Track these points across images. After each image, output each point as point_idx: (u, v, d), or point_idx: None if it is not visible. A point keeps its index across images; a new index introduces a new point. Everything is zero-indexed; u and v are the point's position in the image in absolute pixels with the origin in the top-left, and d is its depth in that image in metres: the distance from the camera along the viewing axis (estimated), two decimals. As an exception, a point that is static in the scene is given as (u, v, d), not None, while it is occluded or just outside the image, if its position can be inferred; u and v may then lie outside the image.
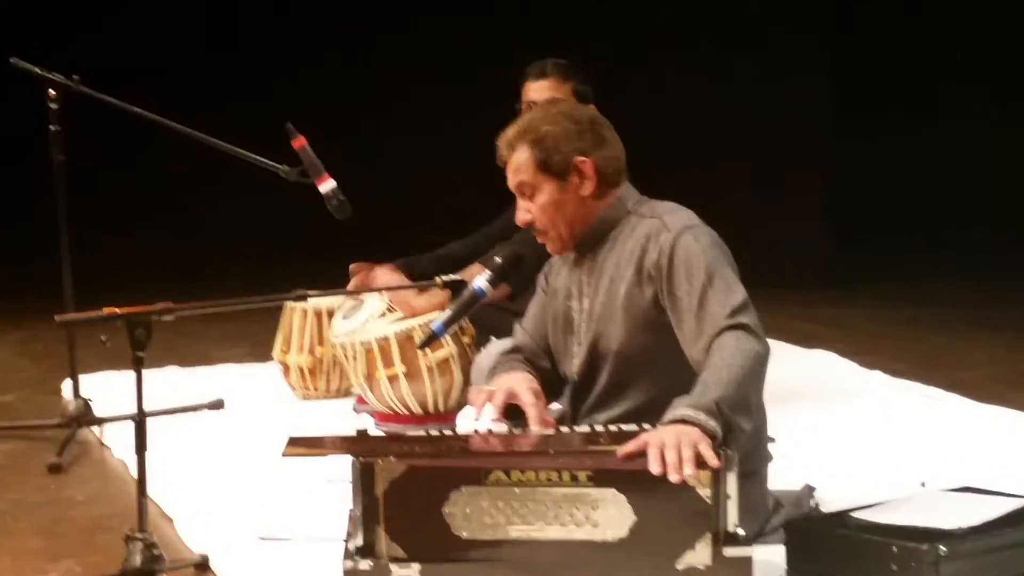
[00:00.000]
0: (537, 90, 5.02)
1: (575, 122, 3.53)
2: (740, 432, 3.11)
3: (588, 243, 3.58)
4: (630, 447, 3.02)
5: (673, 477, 2.94)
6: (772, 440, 3.66)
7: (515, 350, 3.71)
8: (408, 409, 4.93)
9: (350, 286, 5.21)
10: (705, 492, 2.97)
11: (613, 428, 3.32)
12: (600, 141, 3.55)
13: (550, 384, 3.65)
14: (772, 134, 8.71)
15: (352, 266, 5.26)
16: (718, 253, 3.41)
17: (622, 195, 3.57)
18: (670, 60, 8.84)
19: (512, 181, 3.56)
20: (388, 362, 4.90)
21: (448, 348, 4.89)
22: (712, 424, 3.02)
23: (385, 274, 5.18)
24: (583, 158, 3.51)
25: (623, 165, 3.59)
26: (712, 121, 8.77)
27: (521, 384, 3.46)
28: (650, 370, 3.48)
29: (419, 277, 5.13)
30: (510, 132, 3.58)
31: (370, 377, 4.93)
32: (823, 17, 8.81)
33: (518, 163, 3.54)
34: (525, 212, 3.57)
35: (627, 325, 3.47)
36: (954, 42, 9.07)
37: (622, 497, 2.98)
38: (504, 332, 4.33)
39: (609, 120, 3.63)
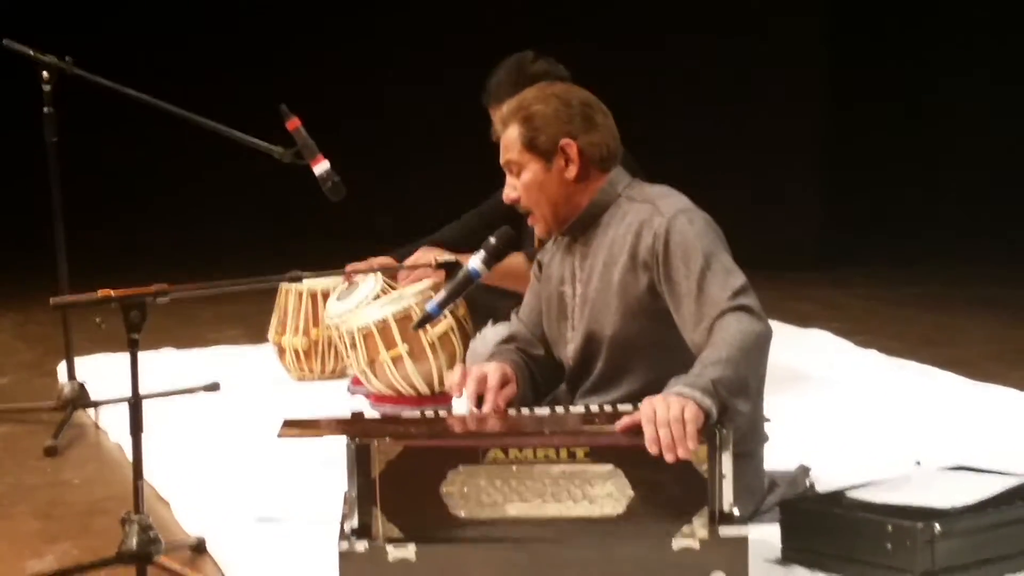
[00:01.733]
0: (496, 118, 4.90)
1: (566, 104, 3.52)
2: (737, 414, 3.11)
3: (579, 227, 3.57)
4: (626, 421, 3.02)
5: (668, 457, 2.95)
6: (767, 420, 3.66)
7: (509, 339, 3.71)
8: (415, 389, 4.93)
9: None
10: (703, 467, 2.98)
11: (608, 408, 3.32)
12: (590, 125, 3.53)
13: (545, 371, 3.65)
14: (768, 115, 8.71)
15: (348, 267, 5.24)
16: (714, 236, 3.40)
17: (613, 179, 3.56)
18: (666, 45, 8.82)
19: (502, 157, 3.57)
20: (390, 343, 4.89)
21: (447, 321, 4.89)
22: (708, 402, 3.02)
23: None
24: (569, 140, 3.50)
25: (613, 151, 3.57)
26: (709, 104, 8.76)
27: (491, 369, 3.46)
28: (647, 355, 3.47)
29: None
30: (506, 108, 3.58)
31: (372, 362, 4.93)
32: (821, 1, 8.81)
33: (508, 140, 3.54)
34: (512, 189, 3.57)
35: (622, 310, 3.47)
36: (953, 25, 9.06)
37: (619, 472, 2.99)
38: (501, 315, 4.34)
39: (604, 103, 3.62)
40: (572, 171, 3.52)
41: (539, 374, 3.62)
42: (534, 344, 3.69)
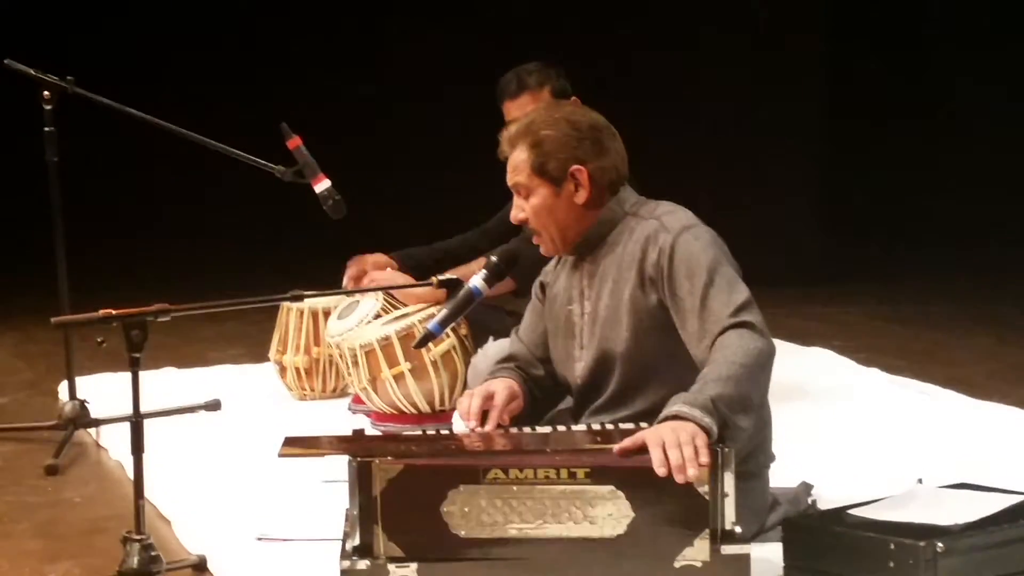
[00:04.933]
0: (518, 108, 4.94)
1: (576, 128, 3.51)
2: (738, 430, 3.11)
3: (586, 246, 3.57)
4: (626, 443, 3.02)
5: (679, 478, 2.95)
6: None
7: (509, 358, 3.70)
8: (416, 408, 4.92)
9: (345, 279, 5.22)
10: (703, 489, 2.97)
11: (610, 427, 3.32)
12: (600, 150, 3.52)
13: (546, 391, 3.64)
14: (769, 130, 8.71)
15: (349, 262, 5.26)
16: (718, 252, 3.40)
17: (620, 197, 3.56)
18: (667, 59, 8.83)
19: (509, 179, 3.56)
20: (392, 361, 4.89)
21: (449, 340, 4.89)
22: (707, 421, 3.02)
23: (380, 269, 5.19)
24: (579, 167, 3.49)
25: (623, 174, 3.57)
26: (709, 118, 8.77)
27: (499, 386, 3.47)
28: (661, 371, 3.45)
29: (414, 268, 5.14)
30: (513, 129, 3.56)
31: (374, 379, 4.93)
32: (821, 15, 8.82)
33: (516, 162, 3.53)
34: (520, 211, 3.56)
35: (633, 327, 3.46)
36: (952, 39, 9.07)
37: (620, 494, 2.99)
38: (501, 332, 4.34)
39: (602, 115, 3.61)
40: (582, 196, 3.51)
41: (539, 393, 3.62)
42: (534, 364, 3.68)
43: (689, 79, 8.75)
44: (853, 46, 9.05)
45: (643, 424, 3.19)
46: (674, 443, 2.96)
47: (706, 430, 3.01)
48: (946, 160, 9.11)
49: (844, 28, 8.95)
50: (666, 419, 3.05)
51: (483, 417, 3.42)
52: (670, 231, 3.43)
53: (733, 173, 8.65)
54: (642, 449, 2.99)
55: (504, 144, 3.57)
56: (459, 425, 3.43)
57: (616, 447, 3.02)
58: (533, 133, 3.51)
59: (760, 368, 3.22)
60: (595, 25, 9.17)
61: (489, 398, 3.43)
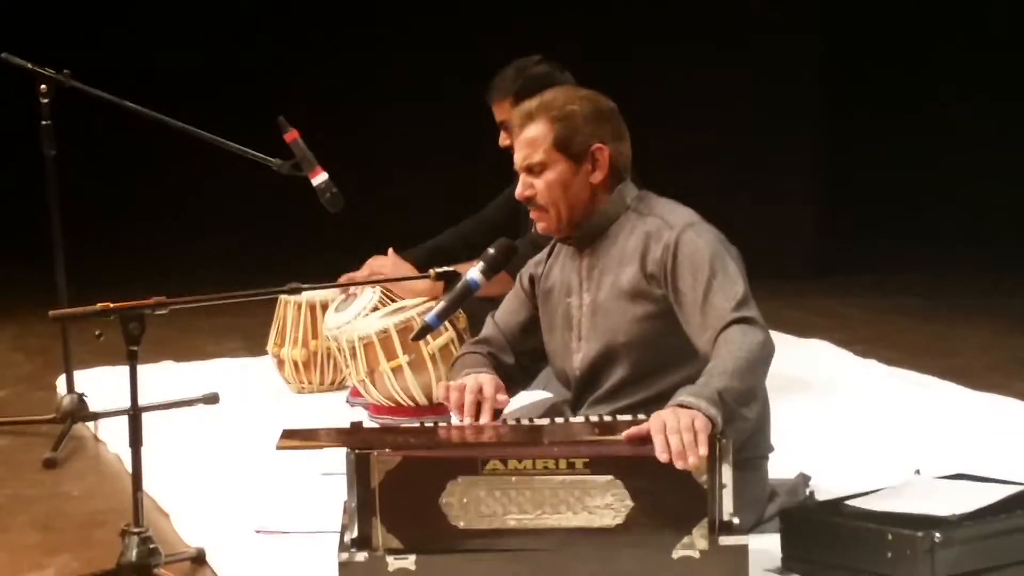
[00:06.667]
0: (502, 112, 4.92)
1: (599, 109, 3.53)
2: (743, 421, 3.13)
3: (586, 238, 3.57)
4: (633, 431, 3.02)
5: (679, 464, 2.95)
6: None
7: (483, 341, 3.70)
8: (413, 400, 4.93)
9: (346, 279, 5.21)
10: (703, 479, 2.98)
11: (608, 418, 3.32)
12: (619, 133, 3.55)
13: (511, 380, 3.62)
14: (767, 124, 8.71)
15: (343, 277, 5.22)
16: (721, 249, 3.42)
17: (622, 190, 3.57)
18: (665, 56, 8.83)
19: (521, 154, 3.53)
20: (391, 354, 4.90)
21: (448, 333, 4.90)
22: (713, 411, 3.02)
23: (384, 261, 5.17)
24: (601, 145, 3.50)
25: (630, 163, 3.59)
26: (707, 111, 8.77)
27: (486, 379, 3.46)
28: (661, 362, 3.47)
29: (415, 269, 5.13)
30: (532, 103, 3.54)
31: (372, 372, 4.93)
32: (821, 15, 8.82)
33: (534, 136, 3.50)
34: (528, 188, 3.54)
35: (635, 317, 3.46)
36: (952, 39, 9.07)
37: (619, 483, 2.99)
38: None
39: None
40: (598, 176, 3.51)
41: (507, 382, 3.59)
42: (505, 351, 3.69)
43: (689, 78, 8.74)
44: (853, 46, 9.04)
45: (641, 416, 3.19)
46: (675, 429, 2.96)
47: (712, 420, 3.01)
48: (946, 160, 9.10)
49: (844, 28, 8.94)
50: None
51: (476, 411, 3.42)
52: (673, 228, 3.44)
53: (732, 172, 8.64)
54: (648, 436, 2.99)
55: (518, 117, 3.54)
56: (456, 417, 3.42)
57: (624, 434, 3.03)
58: (558, 108, 3.50)
59: (762, 362, 3.25)
60: (595, 21, 9.16)
61: (478, 391, 3.43)
